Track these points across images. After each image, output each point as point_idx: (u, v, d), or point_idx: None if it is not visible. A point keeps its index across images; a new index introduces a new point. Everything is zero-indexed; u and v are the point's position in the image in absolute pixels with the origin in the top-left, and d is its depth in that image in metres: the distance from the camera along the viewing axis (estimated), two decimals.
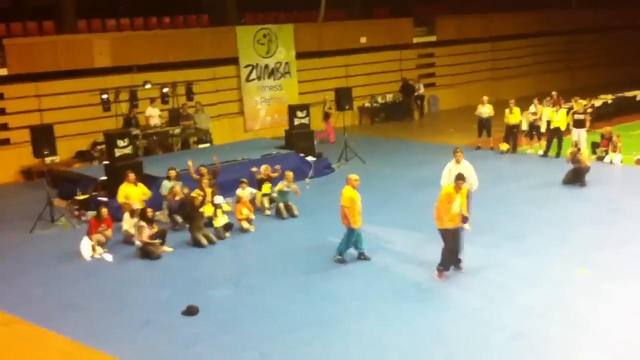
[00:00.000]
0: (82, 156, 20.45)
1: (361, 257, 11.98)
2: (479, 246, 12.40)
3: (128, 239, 13.37)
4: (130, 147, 16.05)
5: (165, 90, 20.91)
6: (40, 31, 21.80)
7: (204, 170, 15.02)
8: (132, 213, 13.35)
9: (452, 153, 13.13)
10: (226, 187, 15.41)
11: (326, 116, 22.91)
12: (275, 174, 15.64)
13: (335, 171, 18.92)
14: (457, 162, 12.92)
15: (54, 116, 19.94)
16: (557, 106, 19.70)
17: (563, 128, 19.05)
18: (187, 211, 13.55)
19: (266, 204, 15.24)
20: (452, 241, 11.05)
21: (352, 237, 11.82)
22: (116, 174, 15.16)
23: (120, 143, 15.72)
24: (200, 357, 9.01)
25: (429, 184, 13.78)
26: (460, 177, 11.05)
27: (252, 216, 14.30)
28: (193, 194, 13.68)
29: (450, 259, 11.17)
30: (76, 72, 21.09)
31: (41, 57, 20.29)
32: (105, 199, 14.93)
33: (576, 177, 16.24)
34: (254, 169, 15.85)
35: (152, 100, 20.74)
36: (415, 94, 27.75)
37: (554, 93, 21.20)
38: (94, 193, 15.82)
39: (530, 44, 32.91)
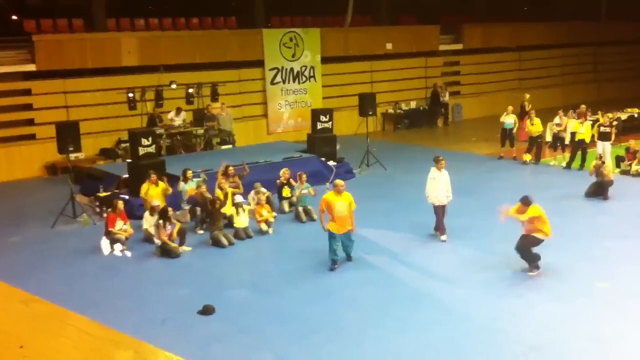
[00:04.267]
0: (106, 153, 20.65)
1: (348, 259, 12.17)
2: (500, 256, 12.33)
3: (148, 238, 13.46)
4: (153, 146, 16.16)
5: (190, 90, 21.06)
6: (70, 29, 22.09)
7: (232, 170, 15.12)
8: (152, 211, 13.44)
9: (435, 161, 13.32)
10: (247, 189, 15.44)
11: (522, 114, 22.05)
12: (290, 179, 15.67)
13: (356, 176, 18.90)
14: (439, 170, 13.21)
15: (80, 113, 20.15)
16: (583, 118, 19.53)
17: (588, 140, 18.87)
18: (209, 210, 13.62)
19: (286, 208, 15.30)
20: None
21: (337, 242, 11.88)
22: (139, 173, 15.28)
23: (144, 142, 15.83)
24: (215, 357, 9.05)
25: (452, 193, 13.71)
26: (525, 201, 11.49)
27: (272, 219, 14.33)
28: (218, 193, 13.80)
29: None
30: (103, 70, 21.32)
31: (70, 54, 20.56)
32: (126, 197, 15.06)
33: (599, 190, 16.08)
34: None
35: (179, 111, 20.85)
36: (441, 100, 27.65)
37: (582, 106, 21.01)
38: (115, 190, 15.96)
39: (557, 54, 32.67)
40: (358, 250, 12.75)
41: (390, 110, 27.18)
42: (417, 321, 9.94)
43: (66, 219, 15.01)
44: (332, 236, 11.85)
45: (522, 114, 21.52)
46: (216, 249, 13.20)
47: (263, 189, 14.99)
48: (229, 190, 14.27)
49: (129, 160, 16.49)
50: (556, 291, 10.91)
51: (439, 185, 13.15)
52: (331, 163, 18.63)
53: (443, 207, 13.32)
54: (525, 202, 11.42)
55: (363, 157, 19.86)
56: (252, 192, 14.78)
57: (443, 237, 13.37)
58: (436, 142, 24.15)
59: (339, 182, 12.10)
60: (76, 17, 22.34)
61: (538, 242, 11.49)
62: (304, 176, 15.25)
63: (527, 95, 21.56)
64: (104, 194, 15.78)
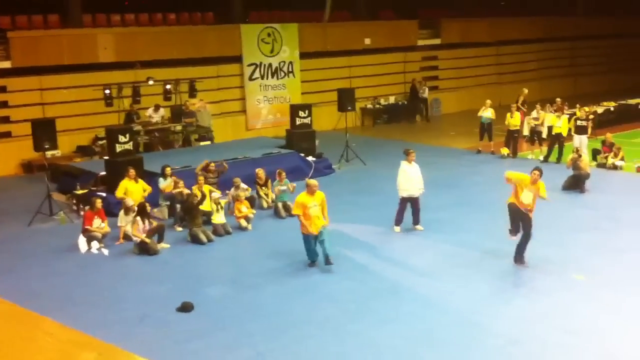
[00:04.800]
0: (83, 151, 20.44)
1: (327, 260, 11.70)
2: (478, 250, 12.41)
3: (124, 236, 13.34)
4: (131, 143, 16.04)
5: (168, 86, 20.91)
6: (46, 24, 21.82)
7: (212, 166, 15.06)
8: (127, 210, 13.33)
9: (405, 154, 13.46)
10: (227, 185, 15.40)
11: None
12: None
13: (335, 172, 18.91)
14: (409, 162, 13.34)
15: (56, 110, 19.93)
16: (560, 112, 19.69)
17: (565, 134, 19.04)
18: (187, 208, 13.55)
19: (264, 205, 15.37)
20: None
21: (312, 243, 11.66)
22: (116, 170, 15.16)
23: (122, 138, 15.71)
24: (194, 354, 9.00)
25: (430, 187, 13.77)
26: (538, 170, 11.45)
27: (251, 215, 14.30)
28: (195, 189, 13.76)
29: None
30: (80, 67, 21.10)
31: (45, 51, 20.32)
32: (103, 194, 14.94)
33: (576, 183, 16.24)
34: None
35: (157, 108, 20.70)
36: (420, 96, 27.68)
37: (558, 100, 21.17)
38: (93, 188, 15.82)
39: (534, 49, 32.90)
40: (337, 245, 12.76)
41: (369, 106, 27.21)
42: (397, 315, 9.96)
43: (43, 217, 14.86)
44: (307, 239, 11.66)
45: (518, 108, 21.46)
46: (195, 245, 13.15)
47: (243, 185, 14.98)
48: (206, 188, 14.20)
49: (106, 158, 16.35)
50: (533, 284, 11.00)
51: (410, 177, 13.24)
52: (310, 158, 18.63)
53: (415, 199, 13.37)
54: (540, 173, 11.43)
55: (342, 153, 19.87)
56: (232, 189, 14.76)
57: (419, 228, 13.51)
58: (415, 137, 24.21)
59: (311, 182, 11.84)
60: (51, 13, 22.07)
61: None
62: (283, 174, 15.24)
63: (526, 90, 21.61)
64: (81, 191, 15.63)
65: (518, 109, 20.46)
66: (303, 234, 11.67)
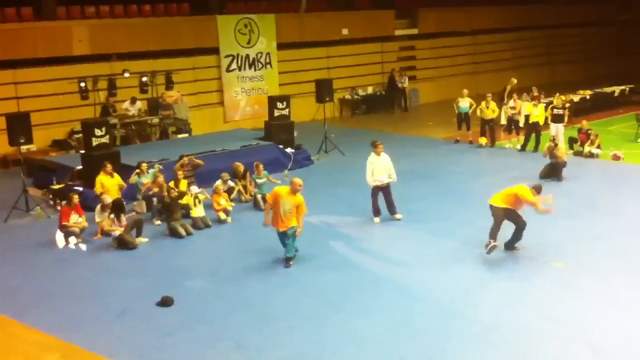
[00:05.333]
0: (59, 145, 20.20)
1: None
2: (455, 239, 12.49)
3: (102, 231, 13.23)
4: (107, 137, 15.88)
5: (144, 79, 20.71)
6: (19, 18, 21.50)
7: (186, 160, 14.98)
8: (104, 207, 13.20)
9: (373, 146, 13.40)
10: (204, 178, 15.34)
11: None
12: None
13: (314, 163, 18.89)
14: (378, 154, 13.29)
15: (31, 104, 19.61)
16: (537, 101, 19.82)
17: (542, 123, 19.18)
18: (166, 203, 13.44)
19: (243, 198, 15.28)
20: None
21: (285, 239, 11.44)
22: (93, 164, 15.02)
23: (98, 132, 15.55)
24: (175, 347, 8.97)
25: (409, 177, 13.82)
26: (537, 189, 11.64)
27: (230, 207, 14.25)
28: (172, 184, 13.68)
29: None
30: (54, 60, 20.83)
31: (19, 44, 20.01)
32: (80, 189, 14.80)
33: (553, 171, 16.37)
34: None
35: (134, 101, 20.50)
36: (399, 86, 27.70)
37: (534, 88, 21.29)
38: (69, 182, 15.67)
39: (510, 38, 33.05)
40: (318, 236, 12.80)
41: (348, 96, 27.20)
42: (377, 305, 10.00)
43: (19, 213, 14.69)
44: (278, 234, 11.47)
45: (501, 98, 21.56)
46: (174, 239, 13.07)
47: (231, 182, 14.92)
48: (184, 182, 14.11)
49: (82, 152, 16.19)
50: (512, 271, 11.10)
51: (378, 169, 13.26)
52: (289, 150, 18.58)
53: (385, 188, 13.40)
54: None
55: (321, 144, 19.86)
56: (219, 181, 14.66)
57: (398, 217, 13.57)
58: (393, 127, 24.28)
59: (297, 180, 11.42)
60: (25, 6, 21.74)
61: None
62: (261, 166, 15.18)
63: (514, 80, 21.67)
64: (58, 186, 15.47)
65: (507, 99, 20.47)
66: (269, 226, 11.51)
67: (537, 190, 11.61)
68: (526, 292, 10.29)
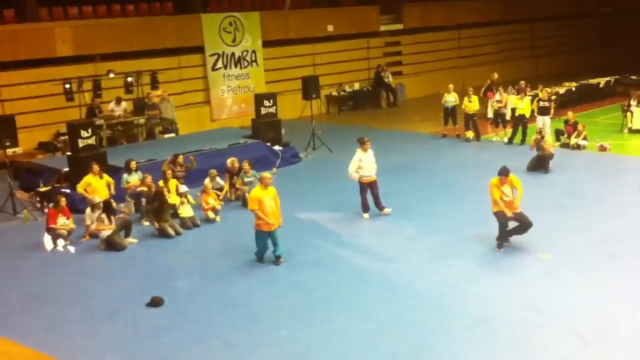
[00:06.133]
0: (45, 147, 20.08)
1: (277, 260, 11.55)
2: (442, 233, 12.54)
3: (91, 233, 13.18)
4: (94, 138, 15.82)
5: (129, 79, 20.63)
6: (1, 19, 21.34)
7: (181, 159, 14.94)
8: (93, 207, 13.15)
9: (360, 143, 13.48)
10: (192, 178, 15.30)
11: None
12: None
13: (302, 160, 18.89)
14: (364, 151, 13.42)
15: (16, 107, 19.54)
16: (522, 94, 19.89)
17: (528, 115, 19.26)
18: (155, 205, 13.36)
19: (232, 196, 15.27)
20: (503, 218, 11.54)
21: (265, 239, 11.42)
22: (79, 165, 14.96)
23: (84, 134, 15.50)
24: (164, 347, 8.96)
25: (396, 172, 13.83)
26: (503, 172, 11.55)
27: (218, 206, 14.23)
28: (160, 184, 13.65)
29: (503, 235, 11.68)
30: (38, 62, 20.70)
31: (1, 46, 19.87)
32: (67, 191, 14.74)
33: (540, 164, 16.45)
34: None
35: (119, 101, 20.41)
36: (385, 81, 27.73)
37: (522, 82, 21.37)
38: (56, 185, 15.59)
39: (494, 32, 33.15)
40: (305, 233, 12.82)
41: (334, 93, 27.19)
42: (365, 300, 10.03)
43: (6, 216, 14.65)
44: (260, 235, 11.38)
45: (486, 91, 21.64)
46: (162, 239, 13.04)
47: (220, 180, 14.89)
48: (173, 182, 14.08)
49: (68, 153, 16.12)
50: (499, 264, 11.16)
51: (366, 165, 13.35)
52: (277, 148, 18.57)
53: (373, 183, 13.45)
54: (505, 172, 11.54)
55: (309, 141, 19.86)
56: (207, 179, 14.63)
57: (387, 211, 13.61)
58: (380, 122, 24.31)
59: (265, 175, 11.54)
60: (7, 8, 21.58)
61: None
62: (248, 165, 15.13)
63: (496, 75, 21.78)
64: (45, 188, 15.40)
65: (487, 92, 20.58)
66: (256, 230, 11.36)
67: (502, 173, 11.53)
68: (513, 284, 10.34)
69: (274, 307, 9.98)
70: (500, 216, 11.56)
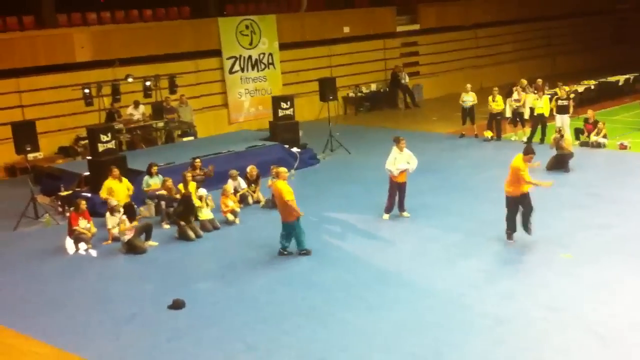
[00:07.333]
0: (65, 152, 20.29)
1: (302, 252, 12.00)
2: (461, 232, 12.50)
3: (114, 237, 13.29)
4: (113, 142, 15.95)
5: (147, 83, 20.76)
6: (21, 26, 21.59)
7: (199, 162, 15.03)
8: (112, 210, 13.27)
9: (396, 142, 13.46)
10: (212, 180, 15.38)
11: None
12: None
13: (320, 162, 18.92)
14: (400, 150, 13.38)
15: (36, 112, 19.74)
16: (540, 93, 19.78)
17: (547, 114, 19.14)
18: (182, 210, 13.42)
19: (250, 201, 15.29)
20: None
21: (295, 229, 11.86)
22: (99, 169, 15.08)
23: (103, 138, 15.61)
24: (185, 350, 9.02)
25: (414, 172, 13.78)
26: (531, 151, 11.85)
27: (237, 209, 14.30)
28: (180, 187, 13.76)
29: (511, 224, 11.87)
30: (57, 67, 20.91)
31: (21, 53, 20.11)
32: (88, 195, 14.87)
33: (560, 163, 16.35)
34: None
35: (137, 104, 20.57)
36: (402, 82, 27.67)
37: (539, 80, 21.23)
38: (77, 189, 15.73)
39: (511, 30, 32.95)
40: (325, 234, 12.83)
41: (351, 94, 27.18)
42: (384, 301, 10.03)
43: (28, 221, 14.77)
44: (297, 224, 11.84)
45: (509, 93, 21.46)
46: (183, 242, 13.11)
47: (240, 180, 14.97)
48: (192, 185, 14.17)
49: (89, 158, 16.26)
50: (519, 263, 11.13)
51: (399, 163, 13.32)
52: (295, 150, 18.60)
53: (403, 184, 13.42)
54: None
55: (326, 142, 19.88)
56: (229, 180, 14.72)
57: (406, 214, 13.61)
58: (398, 123, 24.26)
59: (282, 169, 12.21)
60: (26, 14, 21.84)
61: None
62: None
63: (524, 81, 21.62)
64: (65, 193, 15.53)
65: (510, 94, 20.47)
66: (295, 221, 11.72)
67: (527, 151, 11.71)
68: (534, 284, 10.29)
69: (293, 308, 10.02)
70: (520, 199, 11.60)
